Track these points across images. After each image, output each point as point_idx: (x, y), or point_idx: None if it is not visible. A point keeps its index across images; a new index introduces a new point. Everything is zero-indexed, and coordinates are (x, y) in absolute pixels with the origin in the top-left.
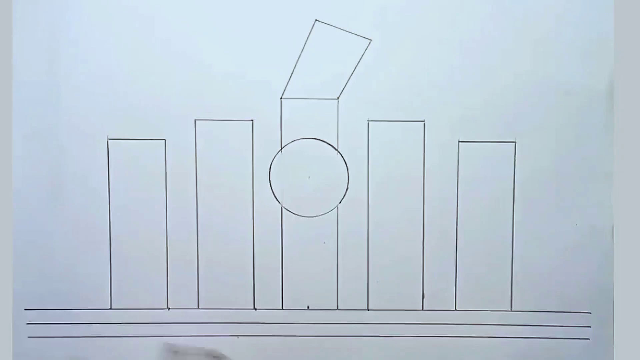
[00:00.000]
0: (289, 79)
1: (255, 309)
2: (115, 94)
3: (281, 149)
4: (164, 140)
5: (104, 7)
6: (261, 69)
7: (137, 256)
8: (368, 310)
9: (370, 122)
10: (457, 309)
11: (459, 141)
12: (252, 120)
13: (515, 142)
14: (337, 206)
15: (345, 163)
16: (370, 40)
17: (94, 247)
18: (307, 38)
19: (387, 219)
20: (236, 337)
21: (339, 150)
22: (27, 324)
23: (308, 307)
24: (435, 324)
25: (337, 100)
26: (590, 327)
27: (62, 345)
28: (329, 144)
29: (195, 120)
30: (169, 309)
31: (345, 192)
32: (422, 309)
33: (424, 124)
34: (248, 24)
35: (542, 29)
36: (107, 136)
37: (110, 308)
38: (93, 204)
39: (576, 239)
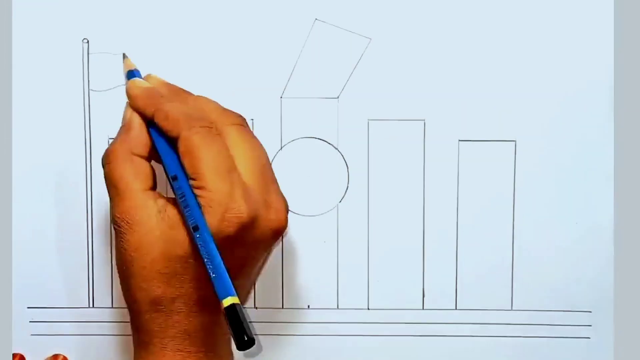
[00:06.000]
0: (289, 78)
1: (256, 308)
2: (115, 93)
3: (281, 148)
4: None
5: (103, 8)
6: (261, 68)
7: None
8: (368, 309)
9: (370, 121)
10: (457, 308)
11: (459, 140)
12: (252, 119)
13: (515, 141)
14: (337, 205)
15: (345, 162)
16: (370, 39)
17: (96, 246)
18: (307, 37)
19: (387, 218)
20: None
21: (339, 149)
22: (30, 322)
23: (308, 307)
24: (435, 323)
25: (337, 100)
26: (590, 325)
27: (65, 343)
28: (329, 143)
29: None
30: None
31: (346, 191)
32: (423, 308)
33: (424, 123)
34: (248, 23)
35: (542, 29)
36: (108, 136)
37: (111, 307)
38: (94, 203)
39: (577, 237)
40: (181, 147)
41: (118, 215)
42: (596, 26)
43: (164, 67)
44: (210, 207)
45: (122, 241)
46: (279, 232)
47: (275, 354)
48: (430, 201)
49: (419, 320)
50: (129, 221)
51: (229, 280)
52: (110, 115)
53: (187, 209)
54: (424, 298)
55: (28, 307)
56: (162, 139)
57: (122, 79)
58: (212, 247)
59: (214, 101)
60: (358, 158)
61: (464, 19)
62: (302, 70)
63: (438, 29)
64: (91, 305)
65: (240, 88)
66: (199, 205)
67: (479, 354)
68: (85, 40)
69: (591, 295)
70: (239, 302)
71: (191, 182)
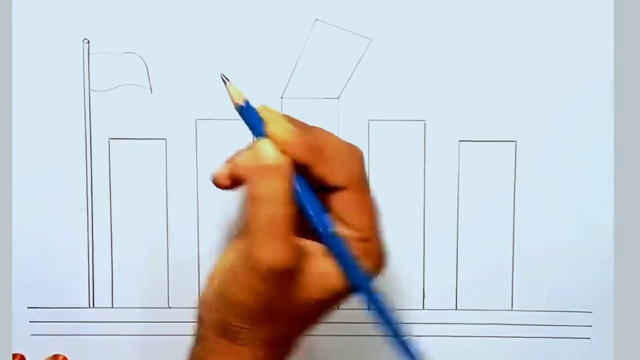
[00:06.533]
0: (289, 79)
1: None
2: (116, 93)
3: None
4: (164, 140)
5: (104, 8)
6: (261, 68)
7: (138, 255)
8: (369, 309)
9: (370, 121)
10: (457, 308)
11: (459, 140)
12: None
13: (515, 141)
14: None
15: None
16: (371, 39)
17: (95, 246)
18: (308, 37)
19: (387, 218)
20: None
21: None
22: (30, 322)
23: None
24: (435, 323)
25: (337, 100)
26: (591, 326)
27: (65, 343)
28: None
29: (196, 119)
30: (170, 307)
31: None
32: (423, 309)
33: (424, 123)
34: (248, 24)
35: (542, 29)
36: (108, 135)
37: (112, 307)
38: (94, 203)
39: (577, 238)
40: (348, 198)
41: (282, 261)
42: (596, 26)
43: (164, 67)
44: (371, 256)
45: (273, 287)
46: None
47: None
48: (430, 201)
49: (419, 320)
50: (290, 268)
51: None
52: (111, 115)
53: (352, 271)
54: (424, 298)
55: (28, 307)
56: (310, 191)
57: (125, 79)
58: (384, 307)
59: (331, 134)
60: None
61: (464, 19)
62: (302, 70)
63: (438, 30)
64: (91, 306)
65: (241, 88)
66: (356, 261)
67: (479, 354)
68: (86, 41)
69: (591, 295)
70: None
71: (354, 233)
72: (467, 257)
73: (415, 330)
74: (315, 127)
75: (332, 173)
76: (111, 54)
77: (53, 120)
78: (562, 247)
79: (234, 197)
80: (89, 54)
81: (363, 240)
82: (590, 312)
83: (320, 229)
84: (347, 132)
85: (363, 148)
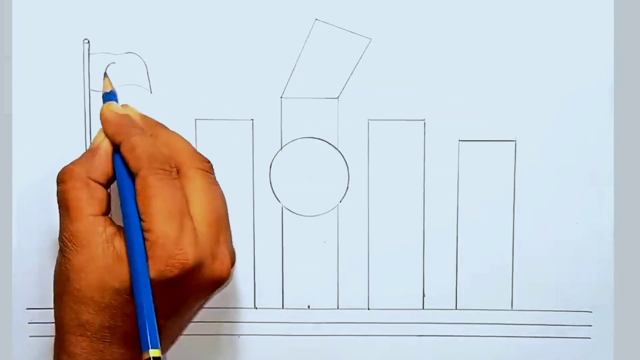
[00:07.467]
0: (289, 78)
1: (256, 308)
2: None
3: (281, 148)
4: None
5: (104, 8)
6: (261, 68)
7: None
8: (369, 309)
9: (370, 121)
10: (457, 308)
11: (459, 140)
12: (252, 119)
13: (515, 141)
14: (337, 205)
15: (346, 162)
16: (370, 39)
17: None
18: (307, 37)
19: (387, 217)
20: (237, 336)
21: (339, 149)
22: (29, 323)
23: (308, 307)
24: (436, 323)
25: (337, 100)
26: (591, 326)
27: None
28: (329, 143)
29: (195, 119)
30: None
31: (346, 191)
32: (423, 308)
33: (424, 123)
34: (248, 23)
35: (542, 28)
36: None
37: None
38: None
39: (577, 237)
40: (138, 185)
41: (65, 235)
42: (596, 26)
43: (164, 67)
44: (155, 250)
45: (64, 260)
46: (219, 283)
47: (276, 354)
48: (430, 201)
49: (419, 320)
50: (75, 243)
51: (157, 331)
52: None
53: (130, 253)
54: (424, 298)
55: (27, 309)
56: (124, 171)
57: (125, 79)
58: (145, 294)
59: (185, 141)
60: (358, 158)
61: (464, 19)
62: (302, 70)
63: (438, 29)
64: None
65: (240, 88)
66: (145, 248)
67: (479, 354)
68: (86, 41)
69: (591, 295)
70: (159, 356)
71: (142, 222)
72: (467, 257)
73: (415, 330)
74: (166, 131)
75: (128, 157)
76: (111, 54)
77: (53, 121)
78: (562, 247)
79: (232, 195)
80: (89, 54)
81: (147, 230)
82: (590, 312)
83: (122, 213)
84: (347, 132)
85: (363, 148)
